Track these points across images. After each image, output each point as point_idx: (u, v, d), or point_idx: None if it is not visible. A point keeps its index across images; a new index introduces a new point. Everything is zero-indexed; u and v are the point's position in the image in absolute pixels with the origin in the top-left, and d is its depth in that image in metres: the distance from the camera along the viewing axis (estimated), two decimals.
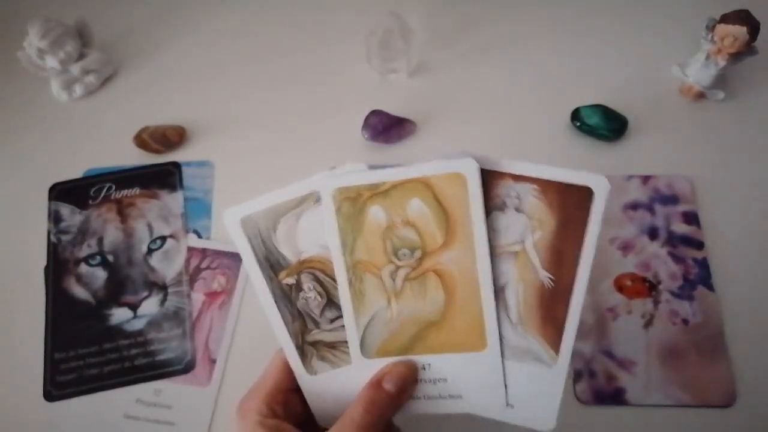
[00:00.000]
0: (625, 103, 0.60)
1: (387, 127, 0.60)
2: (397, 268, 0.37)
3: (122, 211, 0.58)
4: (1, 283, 0.56)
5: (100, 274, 0.55)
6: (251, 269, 0.38)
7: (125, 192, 0.59)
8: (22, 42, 0.62)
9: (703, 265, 0.53)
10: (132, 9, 0.72)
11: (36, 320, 0.54)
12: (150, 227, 0.57)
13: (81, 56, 0.65)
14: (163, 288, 0.55)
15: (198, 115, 0.64)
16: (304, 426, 0.38)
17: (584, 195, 0.36)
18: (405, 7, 0.63)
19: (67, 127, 0.64)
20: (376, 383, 0.37)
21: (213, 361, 0.52)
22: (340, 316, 0.38)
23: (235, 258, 0.56)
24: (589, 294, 0.36)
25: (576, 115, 0.60)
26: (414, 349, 0.38)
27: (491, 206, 0.37)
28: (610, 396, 0.49)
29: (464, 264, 0.37)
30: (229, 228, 0.38)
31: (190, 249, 0.56)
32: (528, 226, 0.37)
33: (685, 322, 0.51)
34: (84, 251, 0.56)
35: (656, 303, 0.52)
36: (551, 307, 0.37)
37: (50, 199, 0.59)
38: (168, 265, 0.56)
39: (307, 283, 0.38)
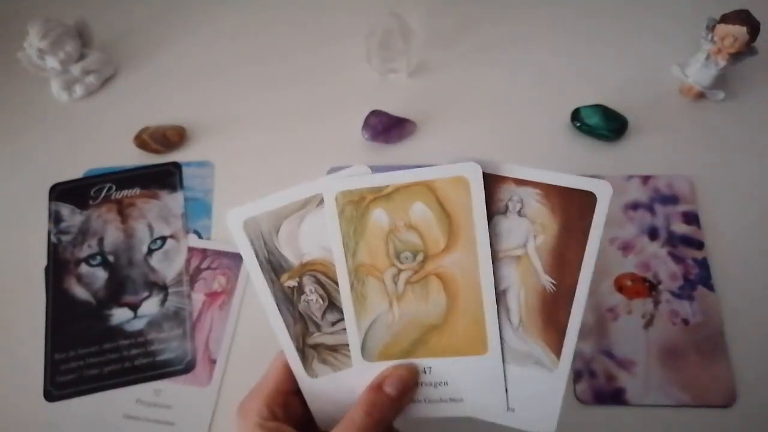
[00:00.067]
0: (625, 103, 0.60)
1: (387, 127, 0.60)
2: (400, 271, 0.37)
3: (122, 211, 0.58)
4: (1, 283, 0.56)
5: (101, 275, 0.55)
6: (253, 271, 0.38)
7: (125, 192, 0.59)
8: (23, 42, 0.62)
9: (703, 265, 0.53)
10: (132, 9, 0.72)
11: (36, 320, 0.54)
12: (150, 227, 0.57)
13: (81, 56, 0.64)
14: (163, 288, 0.55)
15: (198, 115, 0.63)
16: (304, 428, 0.38)
17: (587, 200, 0.36)
18: (405, 7, 0.63)
19: (68, 127, 0.64)
20: (377, 386, 0.37)
21: (213, 362, 0.52)
22: (342, 319, 0.38)
23: (236, 258, 0.56)
24: (590, 294, 0.36)
25: (576, 115, 0.60)
26: (415, 353, 0.38)
27: (494, 210, 0.37)
28: (610, 396, 0.49)
29: (466, 268, 0.37)
30: (231, 229, 0.38)
31: (191, 249, 0.56)
32: (530, 230, 0.37)
33: (685, 322, 0.51)
34: (84, 251, 0.56)
35: (656, 303, 0.52)
36: (553, 312, 0.37)
37: (51, 199, 0.59)
38: (168, 266, 0.56)
39: (309, 286, 0.38)
